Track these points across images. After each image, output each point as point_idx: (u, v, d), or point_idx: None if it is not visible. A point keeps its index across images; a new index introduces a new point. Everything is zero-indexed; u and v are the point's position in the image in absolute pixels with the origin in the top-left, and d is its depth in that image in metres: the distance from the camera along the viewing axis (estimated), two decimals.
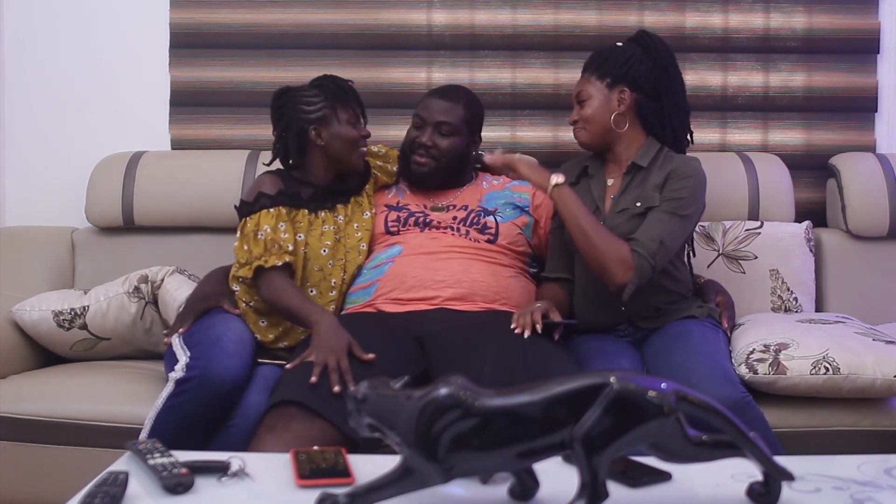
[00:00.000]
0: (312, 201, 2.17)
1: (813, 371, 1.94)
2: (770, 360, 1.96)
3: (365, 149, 2.22)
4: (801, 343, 2.00)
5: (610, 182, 2.19)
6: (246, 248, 2.06)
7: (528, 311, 1.96)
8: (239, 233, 2.10)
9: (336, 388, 1.76)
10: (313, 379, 1.77)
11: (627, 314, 2.14)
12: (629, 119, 2.15)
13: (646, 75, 2.14)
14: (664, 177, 2.09)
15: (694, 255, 2.31)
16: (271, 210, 2.08)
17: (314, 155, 2.19)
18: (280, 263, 2.02)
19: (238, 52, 2.79)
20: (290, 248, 2.05)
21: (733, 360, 2.02)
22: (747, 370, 1.97)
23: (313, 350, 1.86)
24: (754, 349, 2.00)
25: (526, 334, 1.91)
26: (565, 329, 2.01)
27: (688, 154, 2.25)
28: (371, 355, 1.86)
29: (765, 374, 1.95)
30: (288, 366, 1.86)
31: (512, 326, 1.94)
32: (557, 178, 2.07)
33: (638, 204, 2.09)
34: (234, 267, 2.13)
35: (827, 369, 1.94)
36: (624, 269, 1.98)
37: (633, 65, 2.14)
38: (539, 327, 1.92)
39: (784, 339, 2.01)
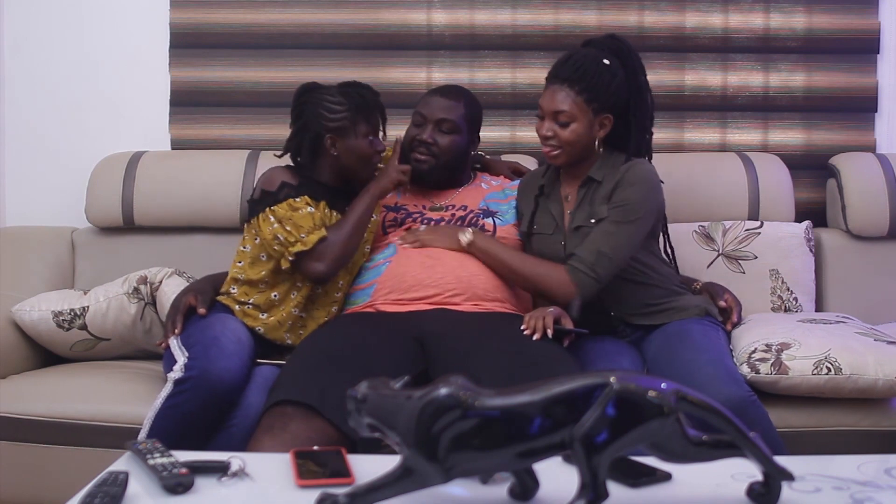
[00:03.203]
0: (326, 200, 2.16)
1: (815, 371, 1.94)
2: (772, 360, 1.96)
3: (378, 163, 2.19)
4: (802, 343, 1.99)
5: (567, 197, 2.16)
6: (288, 228, 2.00)
7: (540, 314, 1.96)
8: (273, 221, 2.02)
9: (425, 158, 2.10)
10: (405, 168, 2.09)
11: (620, 316, 2.13)
12: (602, 142, 2.11)
13: (625, 100, 2.08)
14: (613, 186, 2.05)
15: (671, 250, 2.27)
16: (297, 199, 2.05)
17: (325, 161, 2.15)
18: (317, 238, 2.00)
19: (238, 52, 2.79)
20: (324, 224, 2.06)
21: (735, 360, 2.02)
22: (749, 370, 1.97)
23: (385, 180, 2.13)
24: (756, 348, 2.00)
25: (535, 337, 1.91)
26: (574, 336, 2.01)
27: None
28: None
29: (767, 373, 1.95)
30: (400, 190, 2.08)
31: (522, 328, 1.94)
32: (466, 236, 2.11)
33: (592, 220, 2.07)
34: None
35: (829, 369, 1.93)
36: (564, 288, 2.01)
37: (619, 93, 2.06)
38: (550, 332, 1.92)
39: (786, 339, 2.01)
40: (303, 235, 2.00)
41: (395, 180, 2.16)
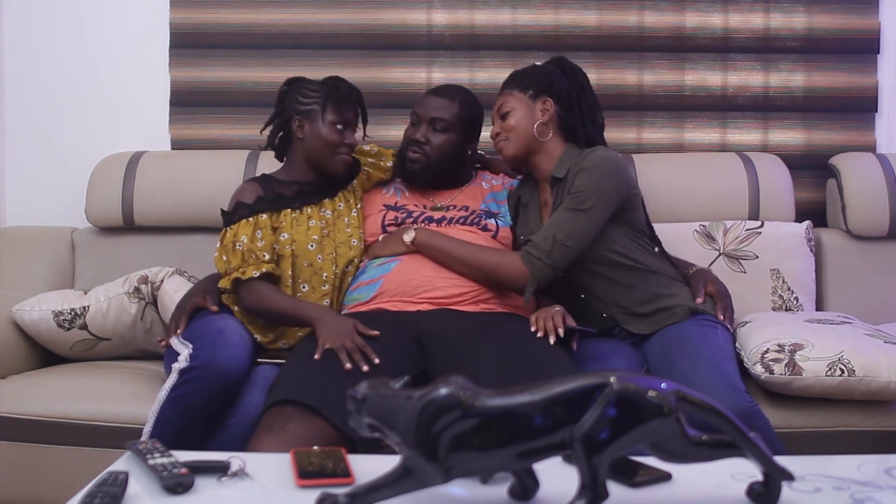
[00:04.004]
0: (296, 199, 2.17)
1: (828, 373, 1.93)
2: (786, 361, 1.95)
3: (347, 157, 2.19)
4: (815, 344, 1.99)
5: (545, 202, 2.18)
6: (225, 258, 2.07)
7: (547, 315, 1.96)
8: (219, 243, 2.11)
9: (365, 367, 1.81)
10: (347, 366, 1.81)
11: (612, 316, 2.11)
12: (552, 129, 2.15)
13: (566, 90, 2.16)
14: (573, 177, 2.06)
15: (656, 241, 2.22)
16: (250, 219, 2.08)
17: (296, 148, 2.21)
18: (257, 274, 2.03)
19: (238, 52, 2.79)
20: (267, 256, 2.06)
21: (747, 359, 2.01)
22: (763, 369, 1.96)
23: (326, 340, 1.88)
24: (768, 348, 1.99)
25: (551, 340, 1.91)
26: (580, 335, 2.01)
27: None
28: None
29: (781, 374, 1.94)
30: (316, 356, 1.86)
31: (532, 329, 1.94)
32: (409, 235, 2.12)
33: None
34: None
35: (842, 371, 1.93)
36: (519, 275, 2.02)
37: (553, 79, 2.16)
38: (561, 331, 1.92)
39: (798, 340, 2.01)
40: (230, 270, 2.05)
41: (336, 339, 1.89)
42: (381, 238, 2.22)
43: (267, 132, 2.26)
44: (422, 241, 2.11)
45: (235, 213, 2.10)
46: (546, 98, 2.15)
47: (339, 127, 2.16)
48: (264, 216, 2.11)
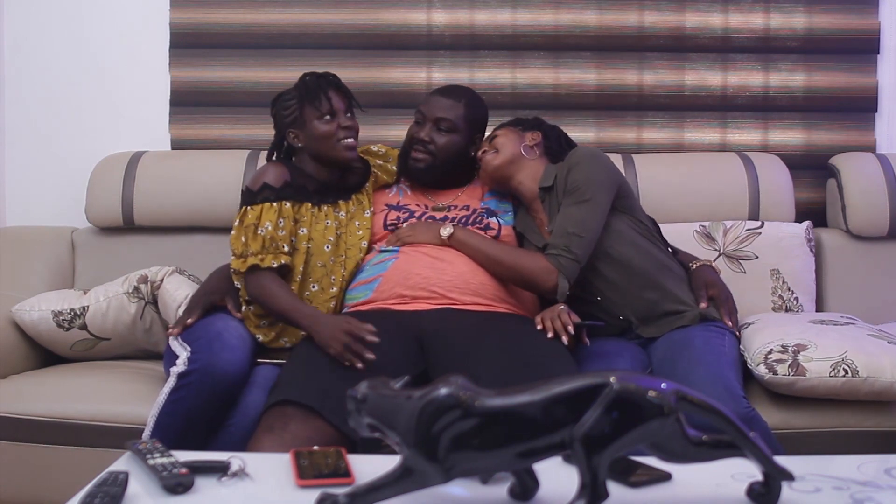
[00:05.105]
0: (316, 195, 2.16)
1: (832, 373, 1.93)
2: (789, 361, 1.95)
3: (350, 140, 2.17)
4: (818, 344, 1.99)
5: (540, 222, 2.22)
6: (244, 240, 2.04)
7: (553, 314, 1.97)
8: (238, 221, 2.08)
9: (370, 356, 1.82)
10: (359, 365, 1.81)
11: (628, 318, 2.13)
12: (538, 152, 2.26)
13: (555, 132, 2.32)
14: (564, 176, 2.14)
15: (663, 240, 2.25)
16: (274, 204, 2.07)
17: (303, 156, 2.20)
18: (276, 265, 2.02)
19: (238, 52, 2.79)
20: (287, 248, 2.05)
21: (750, 360, 2.01)
22: (767, 370, 1.96)
23: (325, 346, 1.87)
24: (772, 349, 1.99)
25: (564, 340, 1.92)
26: (589, 330, 2.02)
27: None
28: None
29: (784, 374, 1.94)
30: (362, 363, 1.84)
31: (539, 329, 1.95)
32: (446, 230, 2.13)
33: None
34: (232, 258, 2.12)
35: (846, 372, 1.93)
36: (547, 274, 2.03)
37: (542, 123, 2.33)
38: (571, 328, 1.93)
39: (801, 341, 2.00)
40: (248, 254, 2.03)
41: (331, 345, 1.87)
42: (406, 224, 2.20)
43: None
44: (459, 238, 2.13)
45: (259, 194, 2.08)
46: (536, 131, 2.29)
47: (326, 118, 2.14)
48: (288, 204, 2.09)
